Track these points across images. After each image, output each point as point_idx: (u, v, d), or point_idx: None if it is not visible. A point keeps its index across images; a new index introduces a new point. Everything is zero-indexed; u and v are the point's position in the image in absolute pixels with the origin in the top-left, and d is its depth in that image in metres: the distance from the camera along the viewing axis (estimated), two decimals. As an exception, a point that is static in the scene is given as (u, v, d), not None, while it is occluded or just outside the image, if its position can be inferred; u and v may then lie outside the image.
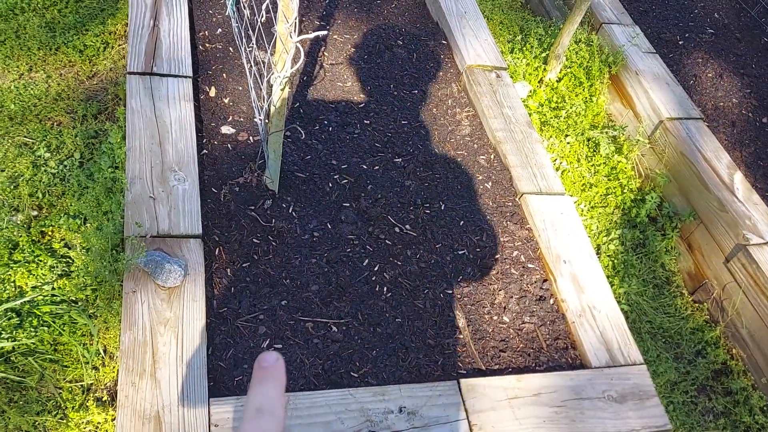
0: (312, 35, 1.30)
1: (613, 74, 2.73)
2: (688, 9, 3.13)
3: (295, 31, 1.35)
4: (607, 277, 2.30)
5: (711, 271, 2.25)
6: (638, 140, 2.54)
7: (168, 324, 1.45)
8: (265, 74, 1.47)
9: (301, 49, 1.37)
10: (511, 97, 2.34)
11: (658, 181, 2.47)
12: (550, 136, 2.65)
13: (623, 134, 2.62)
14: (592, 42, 2.79)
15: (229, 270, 1.64)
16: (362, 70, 2.29)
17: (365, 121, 2.11)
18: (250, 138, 1.93)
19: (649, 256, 2.38)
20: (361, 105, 2.17)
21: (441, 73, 2.40)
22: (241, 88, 2.05)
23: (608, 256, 2.34)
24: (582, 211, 2.48)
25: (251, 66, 1.59)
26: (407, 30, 2.53)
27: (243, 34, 1.56)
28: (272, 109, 1.60)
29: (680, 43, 2.93)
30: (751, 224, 2.15)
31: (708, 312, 2.25)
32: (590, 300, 1.83)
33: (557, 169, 2.56)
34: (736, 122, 2.61)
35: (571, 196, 2.50)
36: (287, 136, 1.98)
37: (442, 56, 2.47)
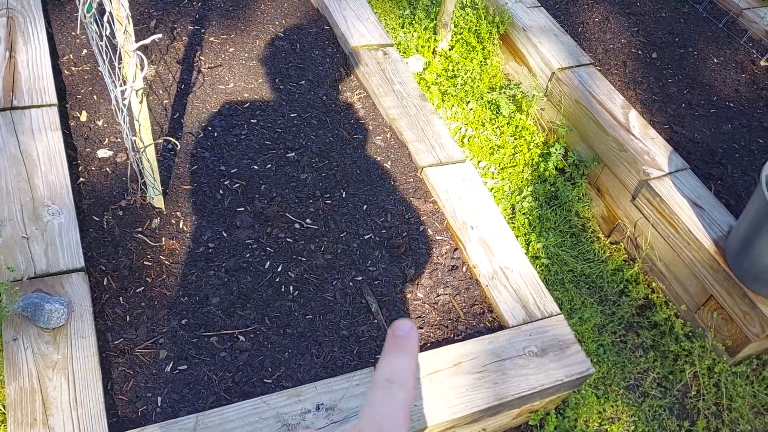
0: (148, 40, 1.23)
1: (503, 34, 2.73)
2: (568, -41, 3.16)
3: (130, 37, 1.28)
4: (525, 234, 2.31)
5: (621, 211, 2.28)
6: (534, 95, 2.55)
7: (56, 367, 1.37)
8: (118, 87, 1.40)
9: (144, 57, 1.30)
10: (401, 73, 2.31)
11: (560, 132, 2.49)
12: (453, 105, 2.64)
13: (520, 92, 2.63)
14: (477, 5, 2.79)
15: (121, 298, 1.56)
16: (244, 69, 2.22)
17: (252, 121, 2.05)
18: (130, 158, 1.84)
19: (562, 207, 2.40)
20: (246, 105, 2.10)
21: (327, 60, 2.35)
22: (114, 108, 1.96)
23: (523, 213, 2.35)
24: (492, 174, 2.48)
25: (113, 83, 1.51)
26: (288, 21, 2.47)
27: (102, 51, 1.48)
28: (136, 123, 1.52)
29: (564, -7, 2.96)
30: (650, 159, 2.19)
31: (625, 251, 2.29)
32: (501, 261, 1.82)
33: (463, 137, 2.56)
34: (627, 62, 2.65)
35: (480, 161, 2.50)
36: (170, 150, 1.90)
37: (326, 42, 2.42)
